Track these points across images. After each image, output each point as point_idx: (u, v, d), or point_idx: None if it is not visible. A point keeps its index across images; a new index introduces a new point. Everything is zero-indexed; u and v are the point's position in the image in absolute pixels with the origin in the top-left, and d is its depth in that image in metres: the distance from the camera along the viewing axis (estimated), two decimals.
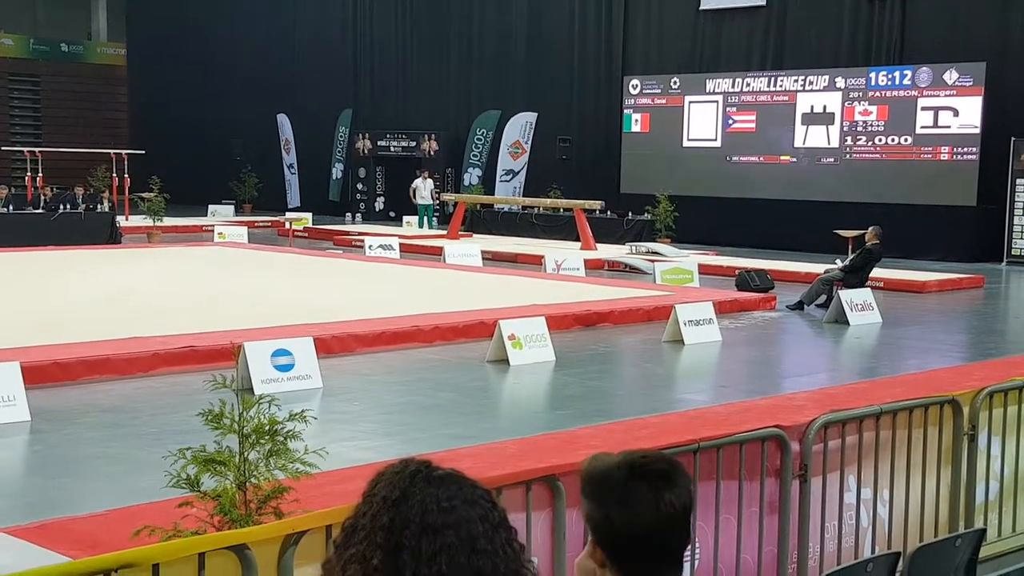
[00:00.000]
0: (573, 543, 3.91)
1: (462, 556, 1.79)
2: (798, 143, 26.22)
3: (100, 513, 6.18)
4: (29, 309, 13.56)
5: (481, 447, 7.08)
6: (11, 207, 23.92)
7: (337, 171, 35.92)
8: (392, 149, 34.01)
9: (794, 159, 26.29)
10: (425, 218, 29.37)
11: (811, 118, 25.97)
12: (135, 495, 6.38)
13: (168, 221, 27.09)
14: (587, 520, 2.10)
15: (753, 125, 26.93)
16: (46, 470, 7.52)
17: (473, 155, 32.51)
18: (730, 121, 27.34)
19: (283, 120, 37.17)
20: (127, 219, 27.78)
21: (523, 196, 30.06)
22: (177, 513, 4.70)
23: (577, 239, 24.79)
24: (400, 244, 23.13)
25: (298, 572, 3.22)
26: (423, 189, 29.34)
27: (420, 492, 1.84)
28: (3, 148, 33.69)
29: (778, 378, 11.32)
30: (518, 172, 31.78)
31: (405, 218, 30.16)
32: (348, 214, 34.01)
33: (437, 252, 22.20)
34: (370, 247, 22.74)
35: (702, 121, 27.80)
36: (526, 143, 31.62)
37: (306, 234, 27.95)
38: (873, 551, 4.98)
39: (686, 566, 4.40)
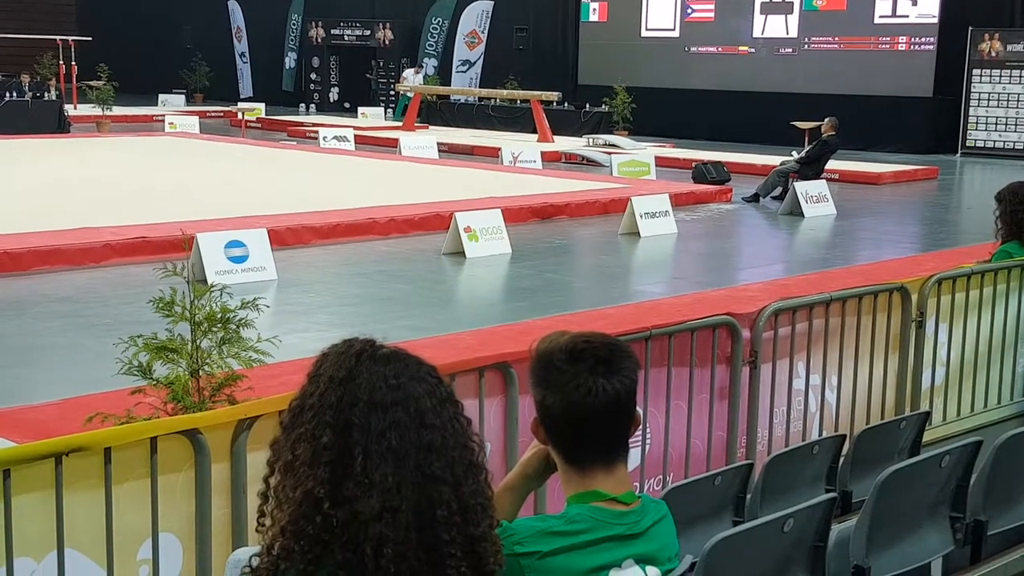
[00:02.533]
0: (526, 429, 3.95)
1: (411, 431, 1.80)
2: (756, 33, 26.01)
3: (53, 402, 6.17)
4: None
5: (437, 338, 7.09)
6: None
7: (290, 60, 35.20)
8: (346, 38, 33.32)
9: (752, 49, 26.10)
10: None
11: (770, 7, 25.72)
12: (88, 385, 6.35)
13: (118, 110, 26.51)
14: (534, 399, 2.12)
15: (712, 14, 26.64)
16: None
17: (429, 45, 31.94)
18: (689, 10, 27.02)
19: (234, 6, 36.21)
20: (75, 108, 27.13)
21: (479, 87, 29.67)
22: (130, 400, 4.69)
23: (534, 131, 24.59)
24: (355, 136, 22.83)
25: (251, 457, 3.23)
26: (412, 80, 28.93)
27: (367, 370, 1.85)
28: None
29: (732, 270, 11.41)
30: (474, 63, 31.31)
31: (360, 109, 29.71)
32: (302, 105, 33.45)
33: (392, 144, 21.95)
34: (324, 139, 22.43)
35: (661, 10, 27.44)
36: (483, 32, 31.09)
37: (259, 125, 27.50)
38: (820, 435, 5.09)
39: (635, 451, 4.47)
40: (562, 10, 29.20)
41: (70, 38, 29.70)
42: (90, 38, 31.41)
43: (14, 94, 23.57)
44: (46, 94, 24.42)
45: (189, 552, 3.13)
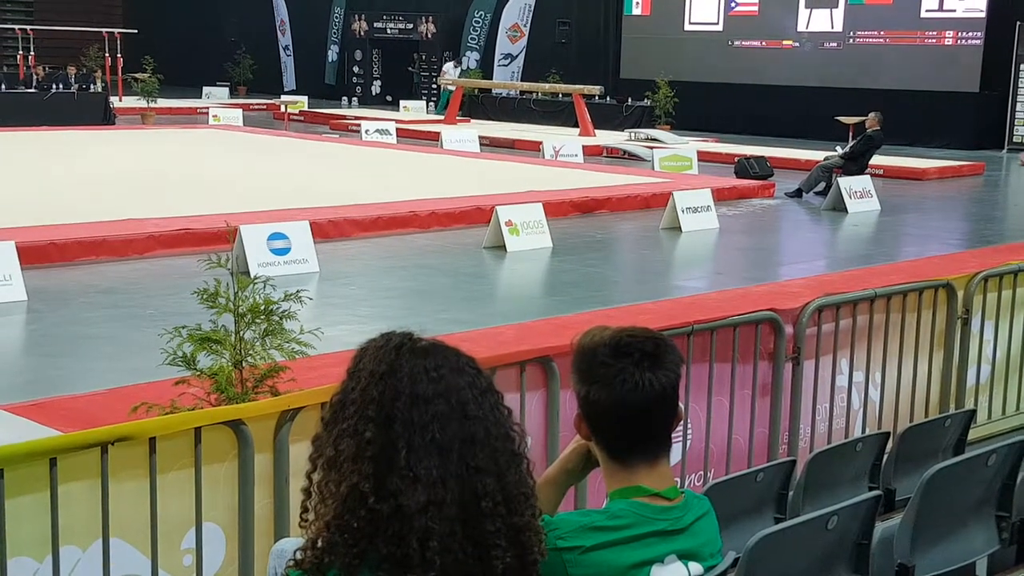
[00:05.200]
0: (566, 422, 3.95)
1: (454, 423, 1.80)
2: (801, 27, 25.76)
3: (97, 392, 6.25)
4: (24, 189, 13.47)
5: (477, 332, 7.10)
6: (2, 86, 23.60)
7: (333, 54, 35.35)
8: (389, 31, 33.41)
9: (797, 44, 25.86)
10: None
11: (816, 1, 25.46)
12: (132, 375, 6.42)
13: (162, 103, 26.76)
14: (576, 394, 2.11)
15: (756, 8, 26.42)
16: (43, 349, 7.56)
17: (471, 38, 31.95)
18: (733, 4, 26.81)
19: (278, 1, 36.42)
20: (121, 100, 27.43)
21: (521, 81, 29.64)
22: (174, 391, 4.74)
23: (576, 125, 24.53)
24: (397, 129, 22.90)
25: (293, 448, 3.25)
26: (452, 74, 29.00)
27: (407, 363, 1.84)
28: None
29: (775, 265, 11.32)
30: (516, 56, 31.28)
31: (403, 103, 29.80)
32: (344, 98, 33.59)
33: (434, 137, 21.99)
34: (367, 132, 22.52)
35: (704, 4, 27.26)
36: (525, 26, 31.05)
37: (302, 118, 27.65)
38: (864, 433, 5.04)
39: (676, 447, 4.46)
40: (604, 4, 29.09)
41: (116, 30, 30.01)
42: (136, 31, 31.73)
43: (61, 86, 23.88)
44: (92, 86, 24.69)
45: (232, 542, 3.16)
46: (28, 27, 30.21)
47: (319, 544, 1.81)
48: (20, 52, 29.31)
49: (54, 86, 23.76)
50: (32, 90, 23.64)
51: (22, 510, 2.71)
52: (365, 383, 1.87)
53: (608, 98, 26.39)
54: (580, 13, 29.63)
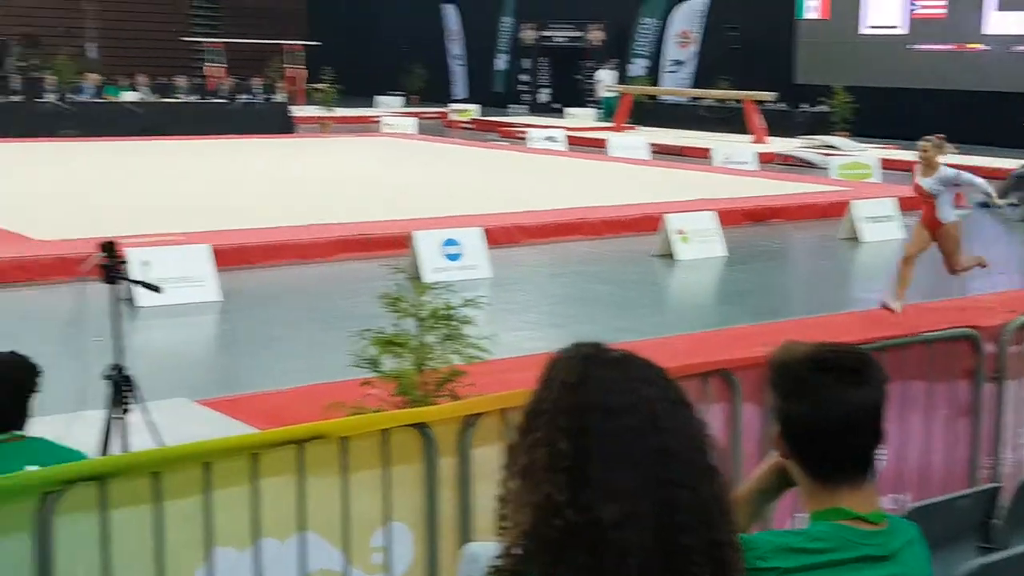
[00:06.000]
0: (748, 437, 3.88)
1: (646, 435, 1.78)
2: (988, 30, 24.63)
3: (285, 390, 6.50)
4: (216, 194, 14.10)
5: (650, 341, 7.06)
6: (195, 96, 24.82)
7: (501, 62, 35.78)
8: (557, 39, 33.60)
9: (985, 46, 24.73)
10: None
11: (1008, 2, 24.28)
12: (316, 374, 6.66)
13: (339, 111, 27.62)
14: (772, 411, 2.06)
15: (944, 11, 25.36)
16: (234, 347, 7.91)
17: (639, 45, 31.82)
18: (914, 6, 25.86)
19: (448, 11, 37.11)
20: (301, 109, 28.45)
21: (691, 87, 29.33)
22: (359, 392, 4.89)
23: (746, 132, 24.12)
24: (565, 136, 22.99)
25: (475, 452, 3.30)
26: (607, 81, 29.05)
27: (597, 375, 1.82)
28: (184, 38, 34.80)
29: (963, 279, 10.86)
30: (685, 62, 30.98)
31: (568, 110, 29.90)
32: (512, 106, 33.96)
33: (602, 144, 21.99)
34: (535, 139, 22.69)
35: (883, 6, 26.37)
36: (694, 32, 30.73)
37: (472, 125, 28.08)
38: None
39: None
40: (778, 7, 28.50)
41: (299, 42, 31.15)
42: (318, 42, 32.85)
43: (247, 96, 24.94)
44: (274, 96, 25.71)
45: (419, 542, 3.23)
46: (218, 40, 31.69)
47: (517, 553, 1.81)
48: (211, 64, 30.77)
49: (240, 97, 24.84)
50: (219, 100, 24.78)
51: (226, 502, 2.84)
52: (557, 394, 1.86)
53: (780, 104, 25.85)
54: (752, 18, 29.11)
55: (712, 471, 1.83)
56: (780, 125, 24.80)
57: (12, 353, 3.33)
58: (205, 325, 8.46)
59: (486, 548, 2.08)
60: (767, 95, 24.16)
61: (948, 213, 8.48)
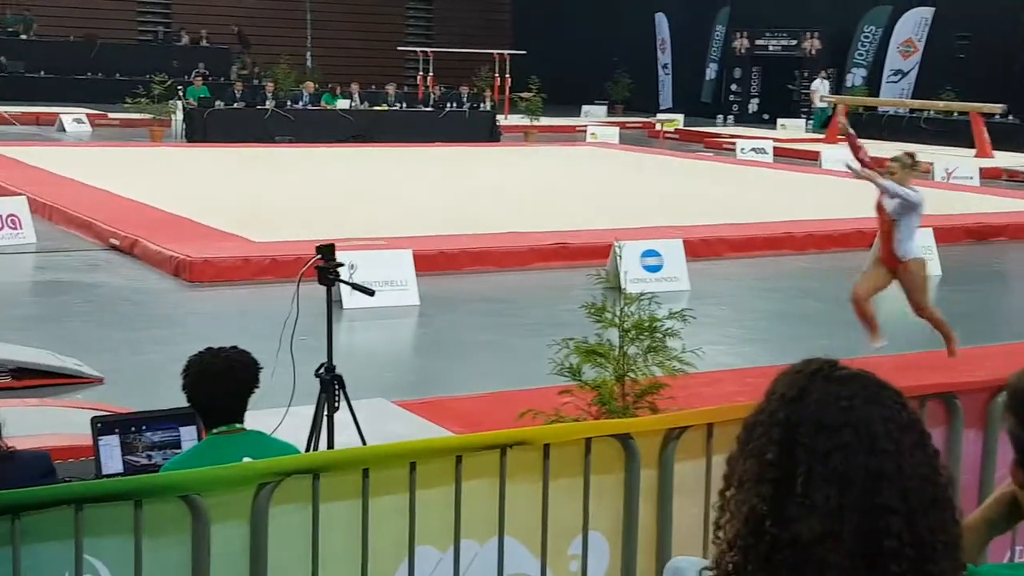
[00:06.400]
0: (970, 466, 3.69)
1: (860, 455, 1.73)
2: None
3: (482, 395, 6.59)
4: (421, 201, 14.48)
5: (856, 360, 6.80)
6: (403, 104, 25.58)
7: (711, 71, 35.33)
8: (770, 48, 32.91)
9: None
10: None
11: None
12: (511, 380, 6.73)
13: (544, 121, 27.89)
14: (1011, 438, 1.94)
15: None
16: (432, 351, 8.09)
17: (858, 54, 30.78)
18: None
19: (660, 19, 36.90)
20: (506, 118, 28.89)
21: (911, 99, 28.16)
22: (556, 400, 4.91)
23: (971, 146, 22.94)
24: (774, 148, 22.50)
25: (678, 466, 3.26)
26: (822, 91, 28.35)
27: (819, 390, 1.79)
28: (398, 48, 35.95)
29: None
30: (907, 72, 29.76)
31: (779, 120, 29.24)
32: (720, 116, 33.48)
33: (813, 157, 21.39)
34: (742, 150, 22.30)
35: None
36: (919, 41, 29.47)
37: (676, 136, 27.85)
38: None
39: None
40: (1013, 14, 26.96)
41: (506, 52, 31.67)
42: (524, 51, 33.30)
43: (454, 104, 25.53)
44: (482, 105, 26.20)
45: (615, 552, 3.20)
46: (428, 49, 32.59)
47: (724, 565, 1.80)
48: (420, 73, 31.67)
49: (448, 105, 25.45)
50: (428, 108, 25.46)
51: (429, 502, 2.90)
52: (774, 406, 1.85)
53: (1011, 117, 24.47)
54: (983, 26, 27.68)
55: (939, 503, 1.76)
56: (1009, 139, 23.49)
57: (236, 349, 3.48)
58: (405, 328, 8.68)
59: (691, 563, 2.06)
60: (996, 107, 22.92)
61: (909, 246, 7.33)
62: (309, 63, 33.49)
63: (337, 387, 4.39)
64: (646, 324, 4.47)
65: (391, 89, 25.98)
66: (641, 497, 3.20)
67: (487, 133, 24.78)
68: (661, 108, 35.01)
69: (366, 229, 11.24)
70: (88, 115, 24.21)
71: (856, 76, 30.50)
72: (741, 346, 8.21)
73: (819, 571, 1.65)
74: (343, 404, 4.38)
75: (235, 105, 22.46)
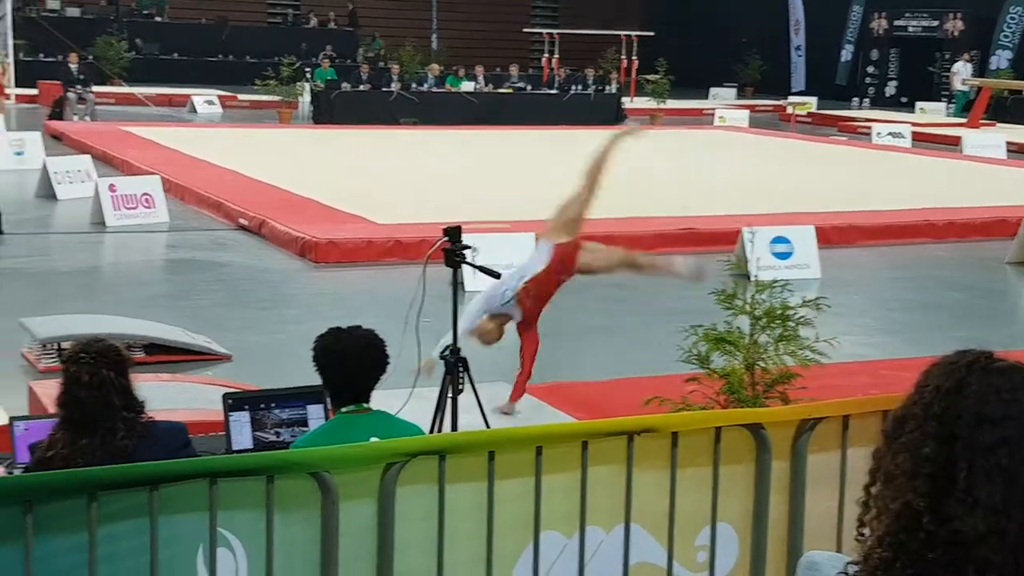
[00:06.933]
0: None
1: None
2: None
3: (605, 381, 6.53)
4: (543, 183, 14.40)
5: (1009, 352, 6.52)
6: (528, 86, 25.57)
7: (847, 53, 34.35)
8: (910, 29, 31.82)
9: None
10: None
11: None
12: (634, 367, 6.65)
13: (671, 103, 27.54)
14: None
15: None
16: (553, 335, 8.01)
17: (1004, 36, 29.52)
18: None
19: (795, 0, 36.04)
20: (632, 100, 28.62)
21: None
22: (682, 387, 4.82)
23: None
24: (912, 132, 21.77)
25: (811, 458, 3.16)
26: (964, 74, 27.35)
27: (977, 382, 1.73)
28: (524, 30, 35.95)
29: None
30: None
31: (918, 104, 28.28)
32: (855, 99, 32.55)
33: (953, 142, 20.63)
34: (878, 134, 21.64)
35: None
36: None
37: (809, 119, 27.16)
38: None
39: None
40: None
41: (633, 33, 31.36)
42: (652, 33, 32.93)
43: (579, 87, 25.40)
44: (607, 87, 26.00)
45: (744, 544, 3.13)
46: (554, 31, 32.50)
47: (872, 561, 1.74)
48: (545, 55, 31.62)
49: (573, 87, 25.33)
50: (553, 91, 25.40)
51: (554, 487, 2.87)
52: (929, 398, 1.80)
53: None
54: None
55: None
56: None
57: (362, 328, 3.50)
58: None
59: (828, 558, 2.03)
60: None
61: None
62: (435, 45, 33.73)
63: (461, 369, 4.40)
64: (779, 312, 4.34)
65: (514, 71, 25.97)
66: (772, 489, 3.11)
67: (612, 116, 24.59)
68: (793, 91, 34.20)
69: (491, 211, 11.25)
70: (219, 97, 24.86)
71: (1001, 58, 29.26)
72: (875, 336, 7.96)
73: (980, 570, 1.60)
74: (467, 386, 4.38)
75: (361, 87, 22.82)
